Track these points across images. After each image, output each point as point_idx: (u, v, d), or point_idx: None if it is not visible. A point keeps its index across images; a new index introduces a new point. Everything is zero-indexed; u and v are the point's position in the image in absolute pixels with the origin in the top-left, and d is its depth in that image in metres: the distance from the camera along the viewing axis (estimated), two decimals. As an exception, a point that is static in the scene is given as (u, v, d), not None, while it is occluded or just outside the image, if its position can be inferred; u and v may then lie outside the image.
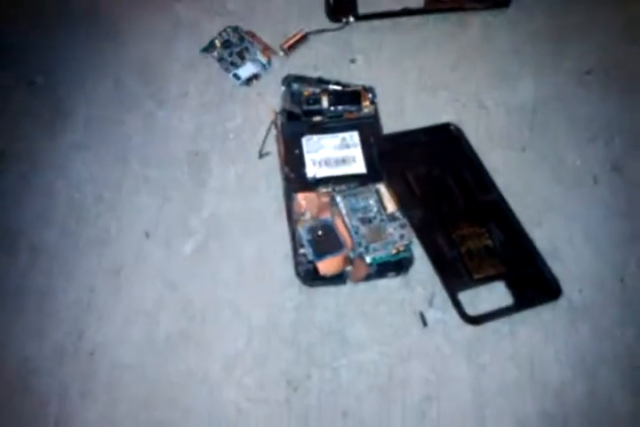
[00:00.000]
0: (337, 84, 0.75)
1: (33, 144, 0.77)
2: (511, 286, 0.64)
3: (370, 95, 0.74)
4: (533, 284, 0.65)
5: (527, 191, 0.71)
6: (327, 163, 0.69)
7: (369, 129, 0.73)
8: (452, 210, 0.69)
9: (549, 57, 0.80)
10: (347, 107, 0.73)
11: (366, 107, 0.72)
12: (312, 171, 0.69)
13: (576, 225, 0.69)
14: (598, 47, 0.81)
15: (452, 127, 0.73)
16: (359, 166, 0.70)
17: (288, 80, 0.74)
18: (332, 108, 0.73)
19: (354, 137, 0.71)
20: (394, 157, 0.70)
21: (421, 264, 0.67)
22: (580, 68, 0.80)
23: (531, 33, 0.82)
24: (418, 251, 0.68)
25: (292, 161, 0.69)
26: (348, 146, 0.70)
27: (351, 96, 0.73)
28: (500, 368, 0.63)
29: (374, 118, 0.73)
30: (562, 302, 0.65)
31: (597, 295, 0.66)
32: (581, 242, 0.68)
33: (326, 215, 0.65)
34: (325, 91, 0.73)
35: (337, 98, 0.73)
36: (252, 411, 0.62)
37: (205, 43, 0.82)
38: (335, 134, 0.71)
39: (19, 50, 0.83)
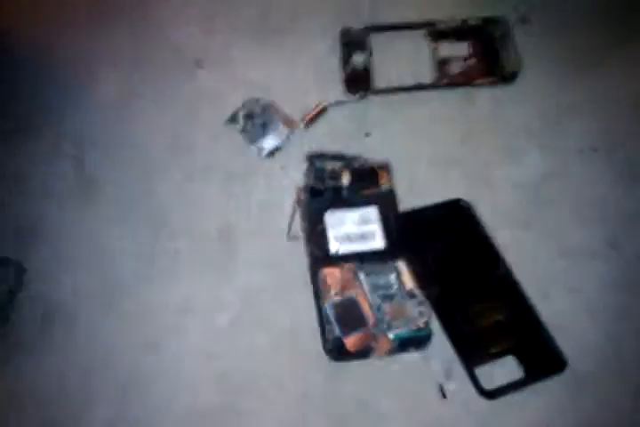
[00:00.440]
0: (356, 159, 0.79)
1: (64, 215, 0.81)
2: (521, 359, 0.69)
3: (386, 173, 0.78)
4: (541, 357, 0.70)
5: (532, 266, 0.76)
6: (349, 238, 0.73)
7: (386, 204, 0.78)
8: (465, 286, 0.73)
9: (553, 133, 0.85)
10: (366, 183, 0.77)
11: (383, 184, 0.77)
12: (335, 246, 0.73)
13: (578, 298, 0.74)
14: (602, 125, 0.86)
15: (462, 203, 0.78)
16: (378, 242, 0.75)
17: (311, 157, 0.78)
18: (352, 185, 0.76)
19: (372, 212, 0.76)
20: (410, 233, 0.74)
21: (439, 338, 0.71)
22: (583, 145, 0.85)
23: (537, 108, 0.87)
24: (435, 325, 0.71)
25: (316, 237, 0.74)
26: (366, 222, 0.75)
27: (369, 173, 0.78)
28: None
29: (391, 194, 0.77)
30: (567, 374, 0.69)
31: (597, 367, 0.70)
32: (582, 315, 0.73)
33: (350, 291, 0.69)
34: (346, 168, 0.77)
35: (357, 175, 0.77)
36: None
37: (227, 112, 0.84)
38: (355, 209, 0.76)
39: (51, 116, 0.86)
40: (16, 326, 0.74)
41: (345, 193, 0.77)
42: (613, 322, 0.74)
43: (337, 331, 0.68)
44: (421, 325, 0.68)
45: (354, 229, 0.75)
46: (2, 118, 0.87)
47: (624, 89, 0.88)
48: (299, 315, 0.74)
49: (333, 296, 0.69)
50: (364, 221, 0.74)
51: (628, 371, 0.72)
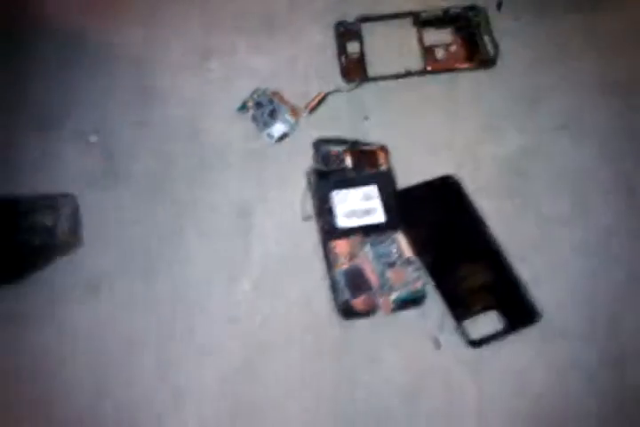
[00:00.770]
0: (357, 142, 0.90)
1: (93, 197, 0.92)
2: (502, 313, 0.82)
3: (385, 154, 0.89)
4: (519, 310, 0.82)
5: (514, 233, 0.87)
6: (354, 214, 0.85)
7: (385, 183, 0.88)
8: (455, 253, 0.85)
9: (530, 113, 0.95)
10: (366, 165, 0.88)
11: (382, 164, 0.88)
12: (342, 221, 0.85)
13: (553, 260, 0.86)
14: (573, 105, 0.96)
15: (451, 179, 0.89)
16: (379, 216, 0.85)
17: (317, 143, 0.89)
18: (354, 166, 0.88)
19: (373, 190, 0.87)
20: (407, 208, 0.86)
21: (433, 298, 0.83)
22: (556, 123, 0.95)
23: (514, 90, 0.97)
24: (429, 287, 0.84)
25: (325, 213, 0.85)
26: (369, 198, 0.86)
27: (370, 155, 0.89)
28: (499, 379, 0.81)
29: (389, 173, 0.89)
30: (542, 325, 0.82)
31: (569, 321, 0.83)
32: (556, 275, 0.85)
33: (357, 260, 0.82)
34: (348, 151, 0.89)
35: (358, 157, 0.88)
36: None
37: (237, 101, 0.95)
38: (358, 188, 0.87)
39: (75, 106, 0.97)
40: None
41: (348, 174, 0.87)
42: (583, 281, 0.85)
43: (347, 294, 0.79)
44: (418, 286, 0.80)
45: (358, 205, 0.86)
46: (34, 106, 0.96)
47: (593, 72, 0.98)
48: (312, 282, 0.85)
49: (342, 264, 0.80)
50: (367, 198, 0.85)
51: (596, 325, 0.84)
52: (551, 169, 0.92)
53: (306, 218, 0.85)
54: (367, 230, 0.85)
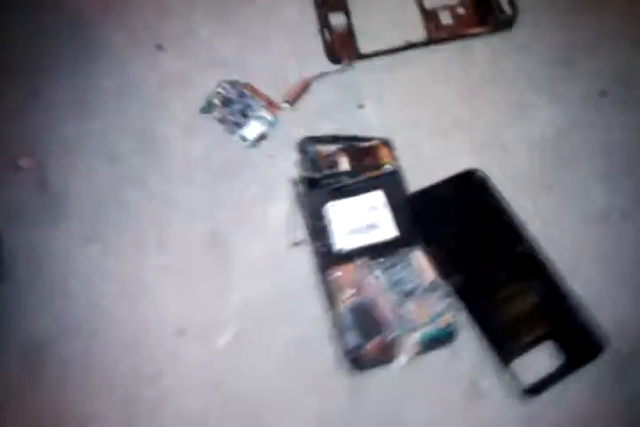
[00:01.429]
0: (353, 139, 0.70)
1: (33, 238, 0.72)
2: (559, 344, 0.63)
3: (388, 150, 0.69)
4: (579, 340, 0.64)
5: (559, 235, 0.69)
6: (357, 231, 0.67)
7: (393, 186, 0.71)
8: (491, 269, 0.67)
9: (562, 80, 0.77)
10: (367, 165, 0.69)
11: (387, 162, 0.68)
12: (342, 242, 0.66)
13: (611, 268, 0.67)
14: (610, 64, 0.76)
15: (476, 174, 0.70)
16: (390, 230, 0.68)
17: (302, 144, 0.69)
18: (352, 169, 0.68)
19: (379, 197, 0.68)
20: (424, 216, 0.68)
21: (466, 332, 0.65)
22: (594, 89, 0.75)
23: (540, 55, 0.79)
24: (461, 318, 0.64)
25: (320, 233, 0.67)
26: (374, 208, 0.68)
27: (369, 152, 0.70)
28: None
29: (397, 173, 0.69)
30: (608, 354, 0.63)
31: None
32: (617, 286, 0.66)
33: (366, 291, 0.62)
34: (342, 150, 0.69)
35: (355, 157, 0.69)
36: None
37: (201, 99, 0.75)
38: (359, 196, 0.69)
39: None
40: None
41: (346, 179, 0.67)
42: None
43: (356, 338, 0.61)
44: (449, 320, 0.60)
45: (360, 219, 0.69)
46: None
47: (628, 23, 0.79)
48: (308, 325, 0.67)
49: (348, 299, 0.61)
50: (371, 209, 0.67)
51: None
52: (597, 149, 0.74)
53: (295, 243, 0.65)
54: (376, 251, 0.68)
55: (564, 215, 0.70)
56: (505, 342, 0.64)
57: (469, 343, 0.65)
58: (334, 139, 0.70)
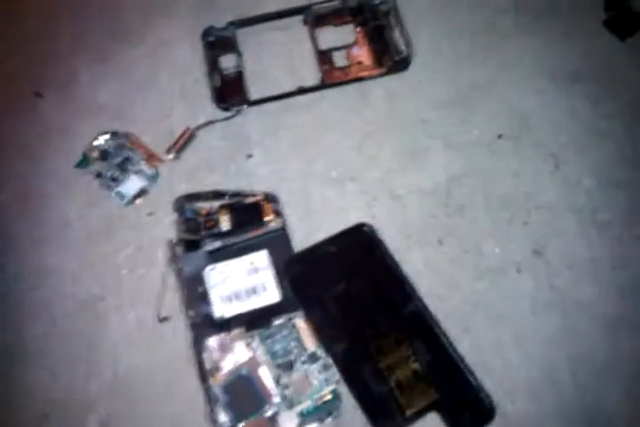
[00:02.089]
0: (236, 194, 0.67)
1: None
2: (445, 415, 0.60)
3: (273, 206, 0.66)
4: (467, 407, 0.61)
5: (451, 292, 0.66)
6: (237, 296, 0.63)
7: (278, 244, 0.67)
8: (375, 334, 0.64)
9: (457, 124, 0.73)
10: (250, 224, 0.65)
11: (271, 220, 0.65)
12: (220, 309, 0.63)
13: (504, 326, 0.65)
14: (506, 107, 0.73)
15: (365, 228, 0.67)
16: (272, 294, 0.65)
17: (180, 203, 0.66)
18: (234, 228, 0.65)
19: (262, 257, 0.65)
20: (306, 279, 0.64)
21: (352, 402, 0.61)
22: (490, 133, 0.72)
23: (436, 97, 0.76)
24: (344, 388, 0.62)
25: (197, 300, 0.63)
26: (257, 270, 0.64)
27: (253, 210, 0.66)
28: None
29: (282, 231, 0.66)
30: (497, 420, 0.60)
31: (531, 406, 0.62)
32: (510, 346, 0.65)
33: (243, 365, 0.59)
34: (224, 207, 0.66)
35: (237, 215, 0.66)
36: None
37: (79, 151, 0.71)
38: (242, 258, 0.65)
39: None
40: None
41: (227, 239, 0.63)
42: (545, 350, 0.66)
43: (231, 418, 0.57)
44: (328, 396, 0.57)
45: (242, 282, 0.65)
46: None
47: (526, 65, 0.78)
48: (182, 404, 0.63)
49: (223, 374, 0.58)
50: (254, 271, 0.63)
51: (566, 405, 0.64)
52: (491, 195, 0.72)
53: (161, 319, 0.61)
54: (256, 318, 0.64)
55: (455, 271, 0.67)
56: (384, 416, 0.60)
57: (355, 416, 0.61)
58: (215, 195, 0.67)
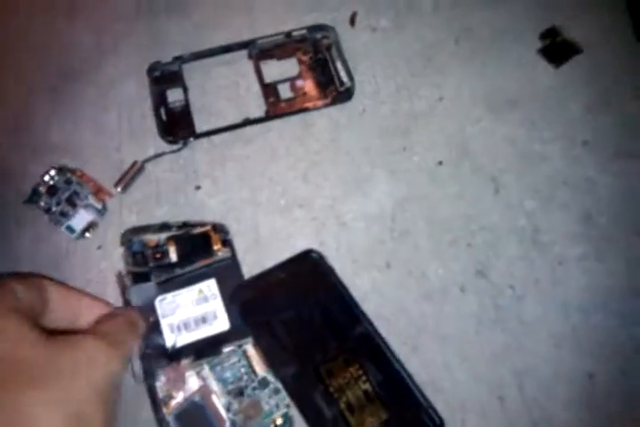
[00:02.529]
0: (184, 225, 0.68)
1: None
2: None
3: (221, 235, 0.67)
4: (417, 426, 0.61)
5: (398, 314, 0.68)
6: (187, 326, 0.64)
7: (227, 273, 0.69)
8: (325, 356, 0.65)
9: (399, 151, 0.76)
10: (198, 254, 0.66)
11: (219, 250, 0.66)
12: (171, 339, 0.64)
13: (450, 346, 0.66)
14: (444, 136, 0.76)
15: (313, 254, 0.68)
16: (222, 322, 0.66)
17: (127, 237, 0.66)
18: (182, 259, 0.66)
19: (211, 286, 0.66)
20: (255, 305, 0.66)
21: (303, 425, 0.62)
22: (430, 160, 0.75)
23: (378, 126, 0.78)
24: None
25: (148, 332, 0.63)
26: (206, 299, 0.66)
27: (201, 240, 0.67)
28: None
29: (230, 260, 0.67)
30: None
31: (480, 422, 0.64)
32: (457, 365, 0.66)
33: (195, 393, 0.60)
34: (172, 239, 0.67)
35: (185, 245, 0.67)
36: None
37: (28, 189, 0.72)
38: (191, 287, 0.66)
39: None
40: None
41: (176, 270, 0.64)
42: (492, 368, 0.68)
43: None
44: (279, 420, 0.58)
45: (192, 311, 0.67)
46: None
47: (464, 95, 0.80)
48: None
49: (175, 404, 0.58)
50: (203, 300, 0.64)
51: (514, 420, 0.66)
52: (435, 220, 0.74)
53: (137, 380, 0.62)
54: (206, 347, 0.66)
55: (401, 294, 0.69)
56: None
57: None
58: (162, 227, 0.68)
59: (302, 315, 0.67)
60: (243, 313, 0.66)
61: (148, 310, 0.64)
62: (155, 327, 0.63)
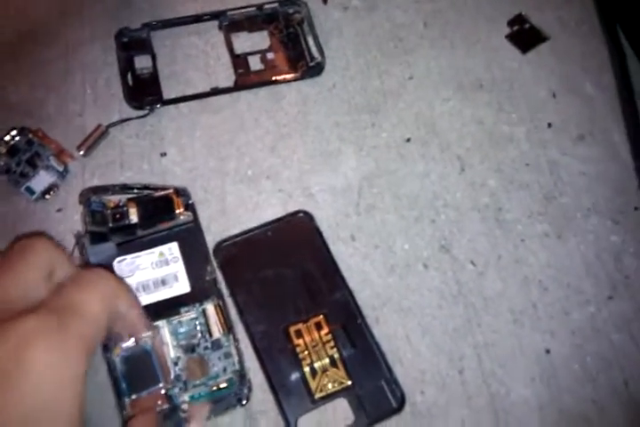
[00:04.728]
0: (145, 188, 0.67)
1: None
2: (355, 401, 0.61)
3: (183, 199, 0.66)
4: (377, 396, 0.62)
5: (363, 286, 0.68)
6: (146, 287, 0.62)
7: (189, 237, 0.68)
8: (297, 318, 0.65)
9: (368, 128, 0.75)
10: (159, 216, 0.65)
11: (181, 214, 0.65)
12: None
13: (412, 319, 0.67)
14: (413, 113, 0.77)
15: (303, 215, 0.70)
16: (182, 285, 0.65)
17: (86, 196, 0.65)
18: (143, 221, 0.64)
19: (173, 249, 0.65)
20: (237, 262, 0.67)
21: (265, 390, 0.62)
22: (398, 137, 0.75)
23: (347, 102, 0.78)
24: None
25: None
26: (167, 262, 0.64)
27: (163, 203, 0.66)
28: None
29: (193, 224, 0.66)
30: (406, 410, 0.62)
31: (439, 394, 0.64)
32: (418, 337, 0.67)
33: (146, 339, 0.59)
34: (133, 200, 0.65)
35: (146, 207, 0.66)
36: None
37: None
38: (152, 249, 0.65)
39: None
40: None
41: (136, 232, 0.63)
42: (452, 341, 0.68)
43: (123, 390, 0.58)
44: (223, 384, 0.57)
45: (152, 274, 0.65)
46: None
47: (434, 75, 0.81)
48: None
49: (125, 347, 0.57)
50: (164, 263, 0.63)
51: (473, 393, 0.66)
52: (400, 196, 0.75)
53: None
54: (165, 308, 0.65)
55: (367, 267, 0.69)
56: (294, 399, 0.62)
57: (266, 404, 0.61)
58: (123, 188, 0.66)
59: (282, 274, 0.67)
60: (223, 268, 0.66)
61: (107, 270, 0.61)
62: None
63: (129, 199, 0.65)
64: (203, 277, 0.66)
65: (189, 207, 0.68)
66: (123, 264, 0.63)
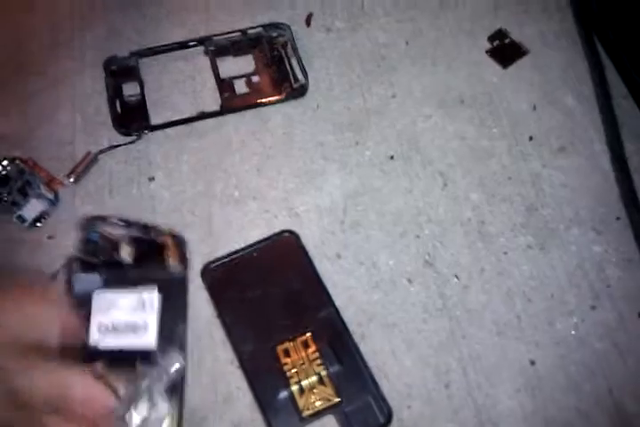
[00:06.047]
0: (143, 227, 0.68)
1: None
2: (343, 418, 0.63)
3: (178, 247, 0.68)
4: (365, 412, 0.63)
5: (348, 302, 0.69)
6: (115, 328, 0.62)
7: (174, 288, 0.66)
8: (285, 337, 0.66)
9: (352, 147, 0.77)
10: (152, 263, 0.67)
11: (174, 263, 0.67)
12: (95, 338, 0.62)
13: (397, 334, 0.68)
14: (396, 131, 0.78)
15: (288, 235, 0.72)
16: (149, 338, 0.63)
17: (86, 224, 0.67)
18: (134, 263, 0.66)
19: (154, 299, 0.65)
20: (224, 282, 0.69)
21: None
22: (382, 154, 0.76)
23: (331, 121, 0.80)
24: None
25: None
26: (144, 309, 0.64)
27: (158, 249, 0.68)
28: None
29: (181, 277, 0.68)
30: (394, 425, 0.63)
31: (426, 408, 0.65)
32: (404, 352, 0.68)
33: None
34: (129, 239, 0.67)
35: (141, 249, 0.67)
36: None
37: None
38: (132, 292, 0.64)
39: None
40: None
41: (126, 270, 0.66)
42: (438, 355, 0.69)
43: None
44: None
45: (126, 316, 0.63)
46: None
47: (415, 92, 0.83)
48: None
49: None
50: (141, 308, 0.63)
51: (459, 406, 0.67)
52: (384, 213, 0.77)
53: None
54: (124, 358, 0.61)
55: (352, 284, 0.70)
56: (282, 418, 0.63)
57: (255, 416, 0.63)
58: (122, 223, 0.67)
59: (269, 294, 0.68)
60: (211, 288, 0.67)
61: (86, 301, 0.63)
62: (87, 320, 0.62)
63: (125, 236, 0.67)
64: (171, 338, 0.64)
65: (183, 259, 0.68)
66: (100, 298, 0.63)
